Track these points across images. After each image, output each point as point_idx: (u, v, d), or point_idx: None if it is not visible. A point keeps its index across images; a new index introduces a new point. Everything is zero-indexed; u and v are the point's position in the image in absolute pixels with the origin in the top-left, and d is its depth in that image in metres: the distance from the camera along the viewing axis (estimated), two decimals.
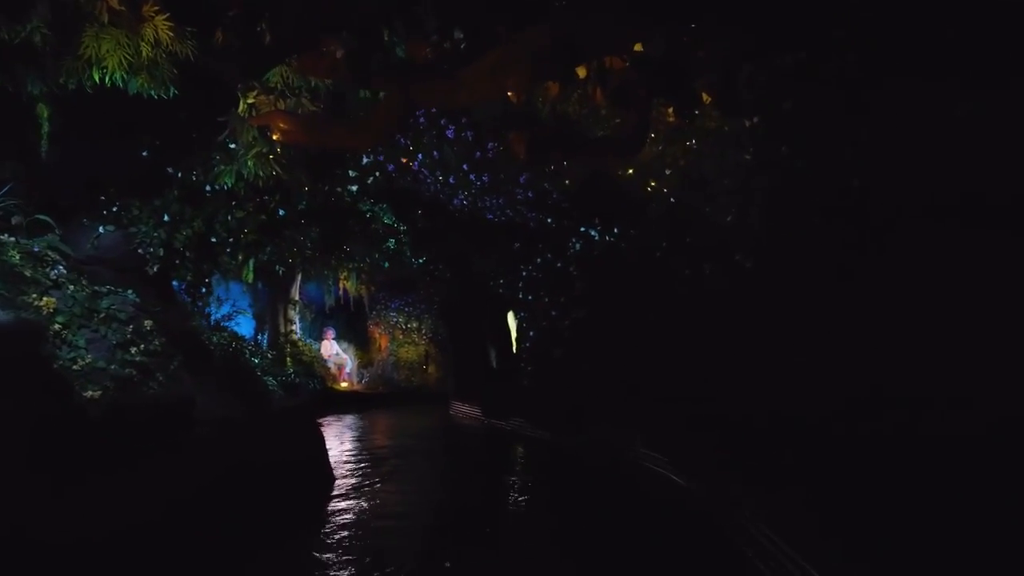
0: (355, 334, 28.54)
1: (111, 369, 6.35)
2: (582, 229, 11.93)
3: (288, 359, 22.58)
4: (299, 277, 24.04)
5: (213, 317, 21.06)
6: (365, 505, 7.71)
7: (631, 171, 9.84)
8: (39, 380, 5.51)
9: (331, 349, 26.29)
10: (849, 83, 5.55)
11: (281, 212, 10.31)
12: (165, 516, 6.14)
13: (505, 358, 19.35)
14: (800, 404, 6.91)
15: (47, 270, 6.40)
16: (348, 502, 7.84)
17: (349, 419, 18.34)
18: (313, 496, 8.30)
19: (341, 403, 21.70)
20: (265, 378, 17.98)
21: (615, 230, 11.33)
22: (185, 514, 6.34)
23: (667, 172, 9.40)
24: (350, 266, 23.88)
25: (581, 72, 6.83)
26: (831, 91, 5.87)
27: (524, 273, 16.10)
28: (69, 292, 6.31)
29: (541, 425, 12.55)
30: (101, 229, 8.65)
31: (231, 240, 9.97)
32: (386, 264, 22.15)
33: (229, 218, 9.68)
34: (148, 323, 7.08)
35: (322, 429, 15.68)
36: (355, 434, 15.00)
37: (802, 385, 6.98)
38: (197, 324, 13.94)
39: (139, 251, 8.96)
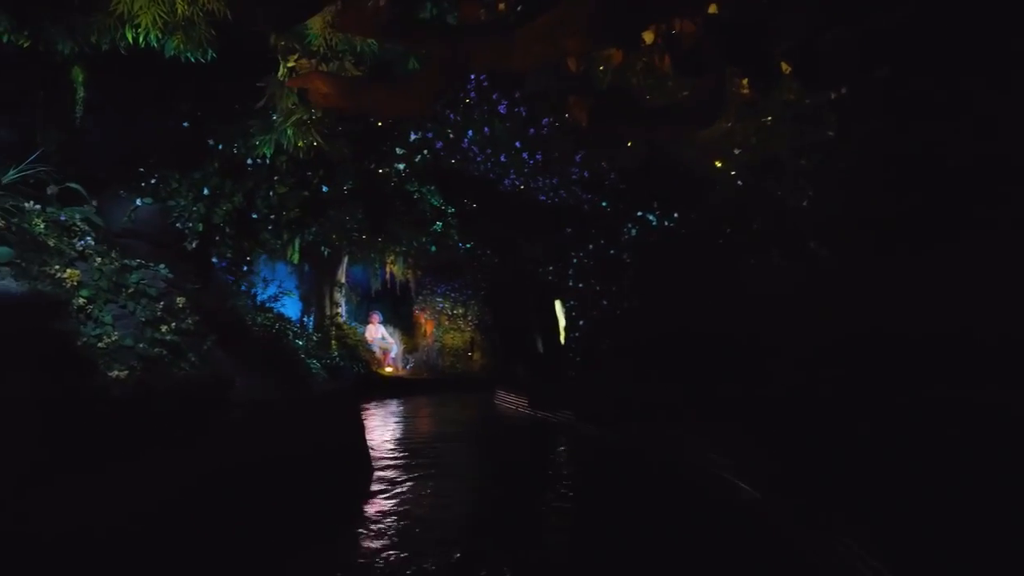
0: (400, 319, 28.30)
1: (139, 348, 5.98)
2: (639, 213, 11.26)
3: (333, 342, 22.41)
4: (345, 259, 23.84)
5: (259, 298, 21.04)
6: (404, 499, 7.21)
7: (695, 151, 9.15)
8: (56, 357, 5.13)
9: (376, 333, 26.06)
10: (965, 43, 4.80)
11: (324, 188, 9.88)
12: (189, 504, 5.75)
13: (552, 348, 18.77)
14: (893, 418, 6.18)
15: (74, 241, 6.05)
16: (386, 495, 7.36)
17: (392, 405, 18.00)
18: (350, 486, 7.85)
19: (385, 388, 21.41)
20: (309, 361, 17.76)
21: (674, 214, 10.63)
22: (213, 503, 5.95)
23: (736, 152, 8.68)
24: (396, 249, 23.61)
25: (647, 37, 6.18)
26: (940, 54, 5.12)
27: (574, 260, 15.48)
28: (96, 265, 5.94)
29: (591, 419, 11.94)
30: (138, 202, 8.33)
31: (272, 217, 9.58)
32: (433, 248, 21.76)
33: (271, 193, 9.28)
34: (180, 300, 6.70)
35: (364, 414, 15.32)
36: (398, 421, 14.61)
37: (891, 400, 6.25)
38: (238, 303, 13.70)
39: (177, 226, 8.62)
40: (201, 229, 8.73)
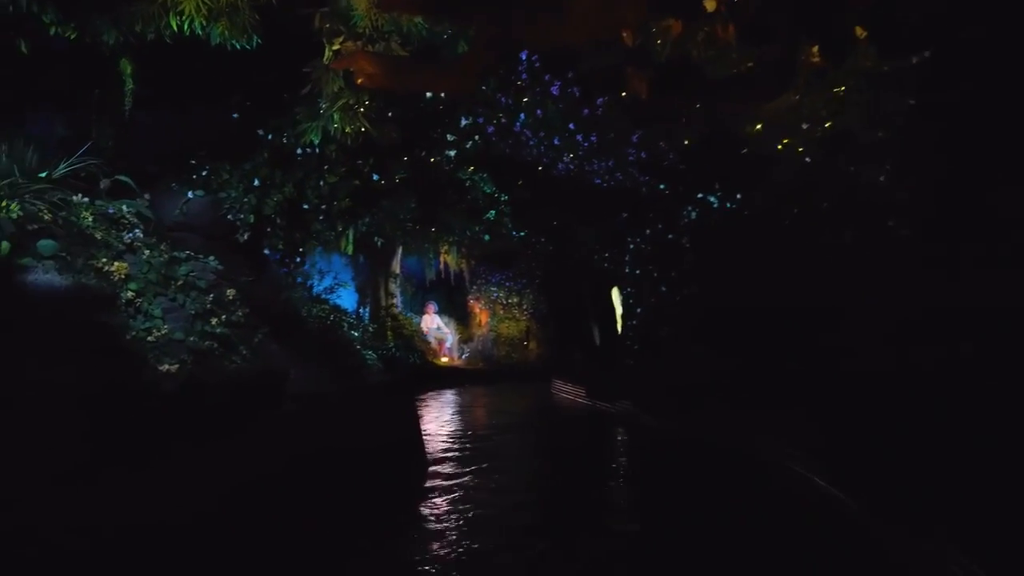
0: (455, 308, 28.26)
1: (189, 341, 5.87)
2: (699, 195, 10.79)
3: (389, 332, 22.45)
4: (399, 250, 23.83)
5: (315, 289, 21.16)
6: (461, 496, 6.93)
7: (759, 126, 8.66)
8: (104, 350, 5.04)
9: (432, 323, 26.06)
10: None
11: (375, 177, 9.71)
12: (240, 502, 5.63)
13: (609, 336, 18.39)
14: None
15: (122, 234, 5.97)
16: (443, 492, 7.11)
17: (448, 395, 17.91)
18: (405, 483, 7.66)
19: (440, 378, 21.36)
20: (364, 352, 17.77)
21: (737, 195, 10.15)
22: (264, 500, 5.83)
23: (804, 126, 8.17)
24: (450, 239, 23.51)
25: (709, 5, 5.78)
26: None
27: (631, 246, 15.06)
28: (145, 257, 5.84)
29: (650, 410, 11.57)
30: (190, 194, 8.28)
31: (323, 207, 9.45)
32: (487, 237, 21.60)
33: (321, 183, 9.15)
34: (231, 292, 6.58)
35: (421, 405, 15.24)
36: (454, 412, 14.47)
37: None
38: (293, 295, 13.72)
39: (228, 218, 8.55)
40: (252, 221, 8.65)
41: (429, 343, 24.98)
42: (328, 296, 20.71)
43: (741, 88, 6.03)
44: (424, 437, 10.42)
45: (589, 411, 14.02)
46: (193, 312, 6.04)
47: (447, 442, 9.95)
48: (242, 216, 8.54)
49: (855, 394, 7.53)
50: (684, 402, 10.96)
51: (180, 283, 6.02)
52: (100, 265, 5.31)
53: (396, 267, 24.12)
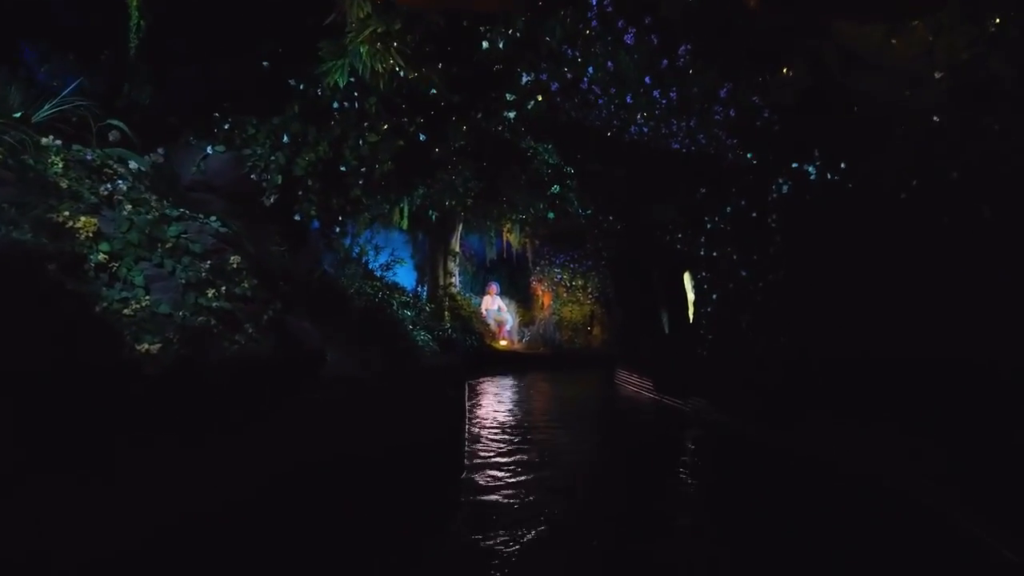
0: (517, 290, 27.17)
1: (178, 316, 4.89)
2: (793, 165, 9.29)
3: (446, 313, 21.52)
4: (460, 227, 22.85)
5: (370, 265, 20.36)
6: (496, 519, 5.60)
7: (877, 77, 7.17)
8: (56, 326, 4.06)
9: (492, 304, 25.04)
10: None
11: (422, 137, 8.58)
12: (223, 521, 4.63)
13: (680, 324, 16.91)
14: None
15: (99, 184, 5.00)
16: (471, 527, 5.63)
17: (503, 382, 16.80)
18: (432, 497, 6.41)
19: (498, 363, 20.31)
20: (417, 333, 16.83)
21: (841, 164, 8.62)
22: (248, 523, 4.81)
23: (936, 75, 6.66)
24: (513, 217, 22.38)
25: None
26: None
27: (708, 225, 13.56)
28: (125, 213, 4.86)
29: (730, 410, 10.19)
30: (209, 150, 7.33)
31: (363, 170, 8.38)
32: (551, 215, 20.40)
33: (360, 143, 8.08)
34: (235, 259, 5.56)
35: (473, 392, 14.16)
36: (505, 403, 13.32)
37: None
38: (339, 270, 12.77)
39: (252, 177, 7.58)
40: (280, 181, 7.65)
41: (488, 325, 23.96)
42: (384, 273, 19.90)
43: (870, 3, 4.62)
44: (469, 432, 9.33)
45: (656, 408, 12.70)
46: (184, 281, 5.04)
47: (492, 441, 8.78)
48: (268, 176, 7.55)
49: (995, 408, 6.06)
50: (770, 403, 9.56)
51: (169, 246, 5.03)
52: (60, 220, 4.33)
53: (456, 245, 23.13)
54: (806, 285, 10.53)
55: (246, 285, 5.58)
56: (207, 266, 5.23)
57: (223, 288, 5.31)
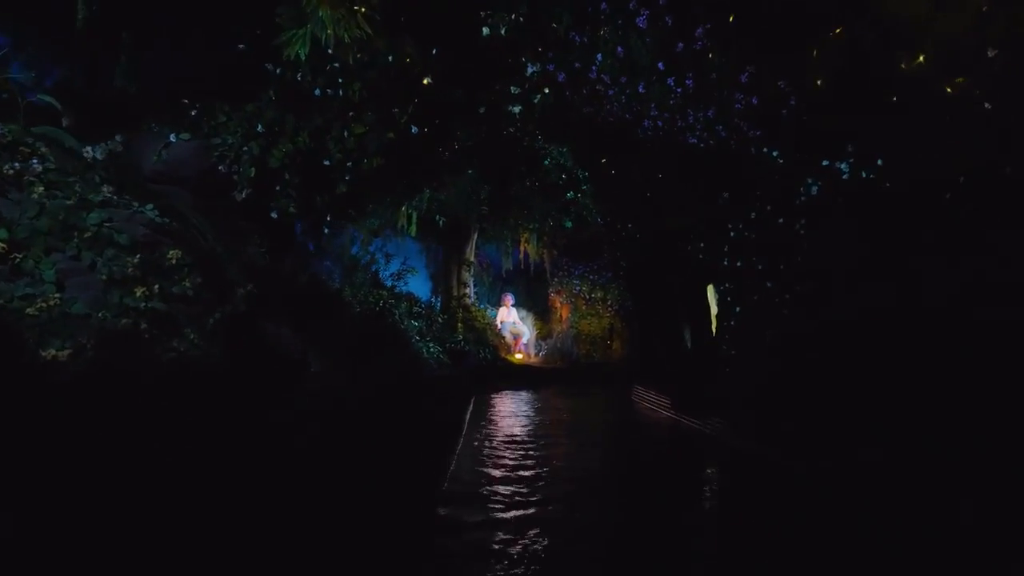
0: (535, 302, 26.40)
1: (97, 317, 4.18)
2: (824, 163, 8.41)
3: (459, 324, 20.81)
4: (475, 236, 22.15)
5: (381, 274, 19.73)
6: None
7: (921, 57, 6.32)
8: None
9: (508, 317, 24.27)
10: None
11: (414, 129, 7.86)
12: None
13: (701, 339, 15.98)
14: None
15: (13, 164, 4.32)
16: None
17: (515, 398, 15.93)
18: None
19: (511, 377, 19.47)
20: (424, 344, 16.12)
21: (878, 161, 7.74)
22: None
23: (990, 54, 5.80)
24: (530, 226, 21.65)
25: None
26: None
27: (732, 233, 12.68)
28: (35, 197, 4.18)
29: (752, 434, 9.28)
30: (173, 137, 6.66)
31: (350, 164, 7.67)
32: (568, 223, 19.62)
33: (345, 134, 7.38)
34: (175, 253, 4.86)
35: (481, 407, 13.23)
36: (506, 427, 12.32)
37: None
38: (360, 278, 12.12)
39: (220, 169, 6.90)
40: (252, 174, 6.96)
41: (503, 338, 23.18)
42: (395, 282, 19.28)
43: None
44: (473, 451, 8.54)
45: (673, 429, 11.78)
46: (106, 277, 4.34)
47: (488, 470, 7.90)
48: (240, 168, 6.86)
49: None
50: (808, 429, 8.63)
51: (89, 235, 4.33)
52: None
53: (471, 255, 22.41)
54: (836, 295, 9.64)
55: (188, 284, 4.86)
56: (136, 260, 4.53)
57: (157, 286, 4.59)
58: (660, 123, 8.30)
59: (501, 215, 19.66)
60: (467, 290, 22.25)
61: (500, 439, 9.85)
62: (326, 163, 7.59)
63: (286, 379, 7.12)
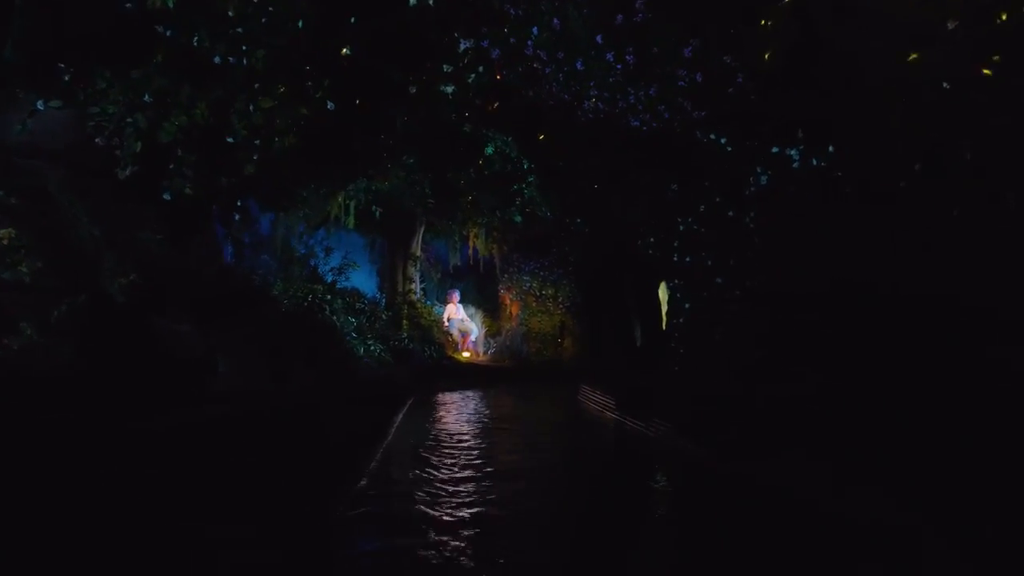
0: (485, 299, 25.79)
1: None
2: (774, 150, 7.92)
3: (404, 322, 20.07)
4: (421, 230, 21.43)
5: (320, 268, 18.94)
6: None
7: (876, 33, 5.83)
8: None
9: (456, 314, 23.58)
10: None
11: (330, 106, 7.13)
12: None
13: (652, 337, 15.49)
14: None
15: None
16: None
17: (456, 398, 15.21)
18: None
19: (455, 376, 18.76)
20: (363, 342, 15.33)
21: (828, 148, 7.27)
22: None
23: (949, 26, 5.33)
24: (479, 221, 20.99)
25: None
26: None
27: (682, 227, 12.19)
28: None
29: (695, 437, 8.76)
30: (40, 105, 5.82)
31: (257, 143, 6.91)
32: (518, 218, 18.94)
33: (251, 108, 6.63)
34: (6, 233, 4.08)
35: (416, 408, 12.46)
36: (434, 436, 11.74)
37: None
38: (236, 266, 11.25)
39: (97, 141, 6.08)
40: (138, 149, 6.16)
41: (450, 335, 22.50)
42: (335, 277, 18.48)
43: None
44: (393, 455, 7.83)
45: (617, 431, 11.23)
46: None
47: (408, 472, 7.25)
48: (123, 142, 6.06)
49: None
50: (746, 433, 8.14)
51: None
52: None
53: (417, 249, 21.67)
54: (786, 293, 9.20)
55: (24, 268, 4.09)
56: None
57: None
58: (601, 104, 7.70)
59: (448, 208, 18.97)
60: (413, 286, 21.51)
61: (433, 449, 9.16)
62: (229, 140, 6.81)
63: (181, 382, 6.35)
